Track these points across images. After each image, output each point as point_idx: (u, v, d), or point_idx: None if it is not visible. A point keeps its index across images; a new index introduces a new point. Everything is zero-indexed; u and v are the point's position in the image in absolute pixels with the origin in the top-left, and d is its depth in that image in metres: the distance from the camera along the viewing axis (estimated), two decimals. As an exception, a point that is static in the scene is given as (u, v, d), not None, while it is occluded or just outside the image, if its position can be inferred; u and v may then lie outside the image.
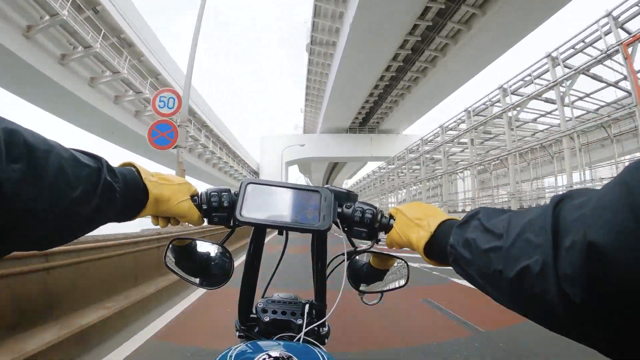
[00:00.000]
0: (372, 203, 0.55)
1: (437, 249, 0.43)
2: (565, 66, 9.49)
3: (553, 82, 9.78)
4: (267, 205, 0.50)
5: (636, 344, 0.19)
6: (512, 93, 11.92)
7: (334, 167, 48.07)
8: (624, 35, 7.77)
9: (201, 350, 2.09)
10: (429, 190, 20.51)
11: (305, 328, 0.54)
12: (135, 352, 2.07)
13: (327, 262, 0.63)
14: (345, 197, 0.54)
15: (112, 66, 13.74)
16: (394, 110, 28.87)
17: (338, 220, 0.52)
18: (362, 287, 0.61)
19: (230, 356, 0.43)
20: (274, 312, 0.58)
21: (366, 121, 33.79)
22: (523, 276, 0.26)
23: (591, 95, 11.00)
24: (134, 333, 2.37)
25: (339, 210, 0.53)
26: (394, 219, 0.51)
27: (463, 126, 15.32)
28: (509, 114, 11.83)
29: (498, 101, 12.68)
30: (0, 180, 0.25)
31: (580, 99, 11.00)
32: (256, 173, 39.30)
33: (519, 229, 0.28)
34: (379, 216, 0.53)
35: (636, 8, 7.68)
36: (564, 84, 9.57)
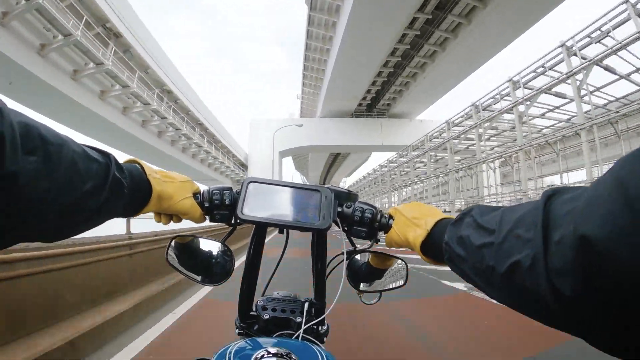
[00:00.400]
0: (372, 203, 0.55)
1: (433, 247, 0.44)
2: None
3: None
4: (268, 203, 0.50)
5: (629, 335, 0.19)
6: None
7: (333, 163, 43.47)
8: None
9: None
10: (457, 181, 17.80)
11: (304, 326, 0.54)
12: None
13: (327, 262, 0.63)
14: (346, 197, 0.55)
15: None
16: (410, 87, 23.53)
17: (338, 220, 0.53)
18: (362, 287, 0.61)
19: (230, 352, 0.43)
20: (274, 310, 0.58)
21: (375, 103, 28.22)
22: (514, 271, 0.26)
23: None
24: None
25: (339, 209, 0.53)
26: (393, 219, 0.52)
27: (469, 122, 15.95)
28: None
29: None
30: (16, 171, 0.26)
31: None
32: (244, 166, 32.94)
33: (511, 224, 0.28)
34: (379, 216, 0.53)
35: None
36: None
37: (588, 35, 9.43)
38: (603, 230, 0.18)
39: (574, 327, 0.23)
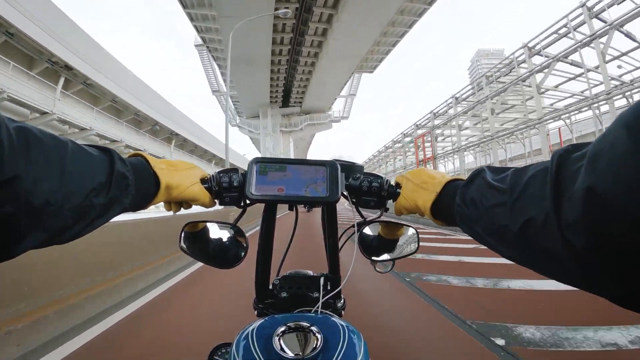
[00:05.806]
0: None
1: (443, 209, 0.45)
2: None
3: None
4: (276, 181, 0.50)
5: (634, 284, 0.19)
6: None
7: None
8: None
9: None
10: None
11: (322, 299, 0.54)
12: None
13: (339, 235, 0.63)
14: (351, 169, 0.55)
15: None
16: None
17: (346, 192, 0.53)
18: (374, 258, 0.61)
19: (252, 331, 0.43)
20: (290, 287, 0.59)
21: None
22: (528, 228, 0.26)
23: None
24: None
25: (346, 182, 0.53)
26: (401, 187, 0.52)
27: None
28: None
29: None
30: (19, 175, 0.25)
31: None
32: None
33: (523, 183, 0.29)
34: (386, 185, 0.54)
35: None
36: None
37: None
38: (607, 180, 0.18)
39: (584, 280, 0.23)
